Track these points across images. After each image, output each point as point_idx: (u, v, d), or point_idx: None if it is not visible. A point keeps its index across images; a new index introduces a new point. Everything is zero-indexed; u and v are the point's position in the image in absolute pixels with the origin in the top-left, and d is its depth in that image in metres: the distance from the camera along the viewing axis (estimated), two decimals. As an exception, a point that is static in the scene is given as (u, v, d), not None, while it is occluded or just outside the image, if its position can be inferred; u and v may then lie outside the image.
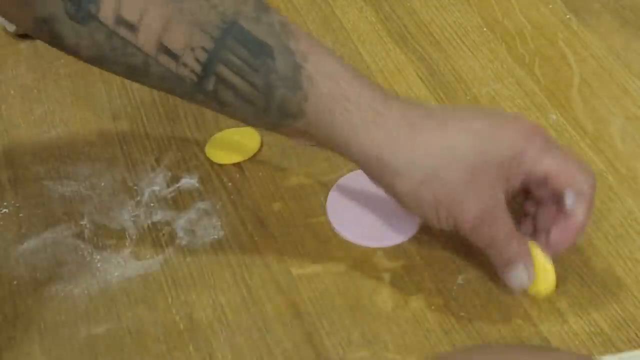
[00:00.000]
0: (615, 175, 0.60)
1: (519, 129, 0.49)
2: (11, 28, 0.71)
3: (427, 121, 0.49)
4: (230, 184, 0.61)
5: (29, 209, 0.59)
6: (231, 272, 0.56)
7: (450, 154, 0.48)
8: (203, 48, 0.47)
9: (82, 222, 0.58)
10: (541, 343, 0.51)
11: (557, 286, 0.51)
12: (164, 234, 0.58)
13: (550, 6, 0.73)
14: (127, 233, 0.58)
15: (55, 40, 0.49)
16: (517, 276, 0.50)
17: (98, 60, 0.49)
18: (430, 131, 0.48)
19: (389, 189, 0.50)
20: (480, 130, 0.48)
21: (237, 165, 0.62)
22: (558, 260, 0.55)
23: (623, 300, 0.53)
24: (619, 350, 0.51)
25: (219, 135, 0.64)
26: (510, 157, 0.48)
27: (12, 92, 0.69)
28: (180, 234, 0.58)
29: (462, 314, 0.53)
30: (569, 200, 0.49)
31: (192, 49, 0.47)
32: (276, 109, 0.48)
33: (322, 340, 0.52)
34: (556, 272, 0.51)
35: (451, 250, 0.56)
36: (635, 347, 0.51)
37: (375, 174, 0.50)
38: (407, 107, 0.49)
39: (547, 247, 0.50)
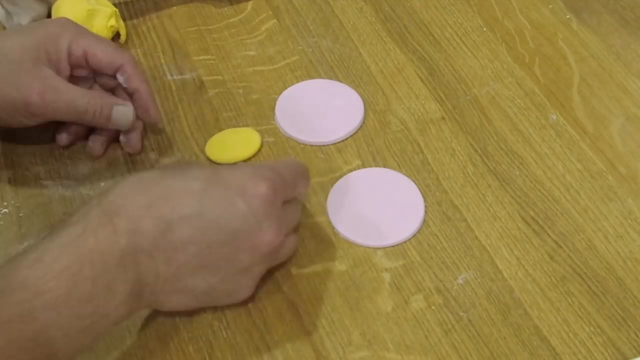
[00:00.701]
0: (615, 175, 0.60)
1: (55, 22, 0.60)
2: (11, 28, 0.71)
3: None
4: (230, 184, 0.61)
5: (29, 209, 0.59)
6: (231, 272, 0.56)
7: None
8: None
9: (82, 222, 0.58)
10: (541, 343, 0.51)
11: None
12: (164, 234, 0.58)
13: (550, 6, 0.73)
14: (127, 233, 0.58)
15: None
16: (120, 112, 0.59)
17: None
18: None
19: None
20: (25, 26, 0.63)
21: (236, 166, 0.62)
22: (558, 261, 0.55)
23: (623, 300, 0.53)
24: (619, 350, 0.51)
25: (219, 135, 0.64)
26: (45, 38, 0.58)
27: (12, 92, 0.69)
28: (180, 234, 0.58)
29: (462, 314, 0.53)
30: (122, 79, 0.60)
31: None
32: None
33: (322, 340, 0.52)
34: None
35: (451, 250, 0.56)
36: (635, 347, 0.51)
37: None
38: None
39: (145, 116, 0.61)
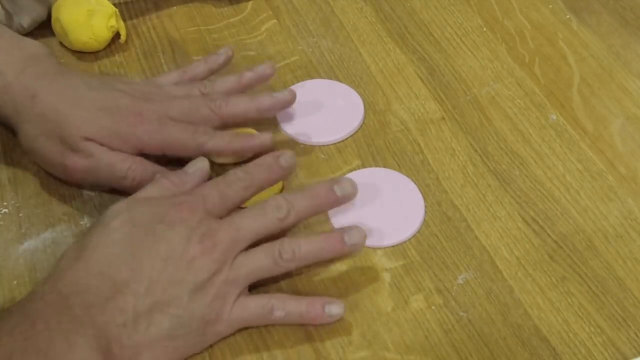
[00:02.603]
0: (615, 175, 0.60)
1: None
2: (11, 28, 0.71)
3: None
4: (230, 184, 0.61)
5: (29, 209, 0.59)
6: (231, 272, 0.56)
7: None
8: None
9: (82, 222, 0.58)
10: (541, 343, 0.51)
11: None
12: (164, 234, 0.58)
13: (550, 6, 0.73)
14: (127, 233, 0.58)
15: None
16: None
17: None
18: None
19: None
20: None
21: (238, 165, 0.62)
22: (558, 261, 0.55)
23: (623, 300, 0.53)
24: (619, 350, 0.51)
25: (219, 135, 0.64)
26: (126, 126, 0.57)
27: (12, 92, 0.69)
28: (180, 234, 0.58)
29: (462, 314, 0.53)
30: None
31: None
32: None
33: (322, 340, 0.52)
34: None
35: (451, 250, 0.56)
36: (635, 347, 0.51)
37: None
38: None
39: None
